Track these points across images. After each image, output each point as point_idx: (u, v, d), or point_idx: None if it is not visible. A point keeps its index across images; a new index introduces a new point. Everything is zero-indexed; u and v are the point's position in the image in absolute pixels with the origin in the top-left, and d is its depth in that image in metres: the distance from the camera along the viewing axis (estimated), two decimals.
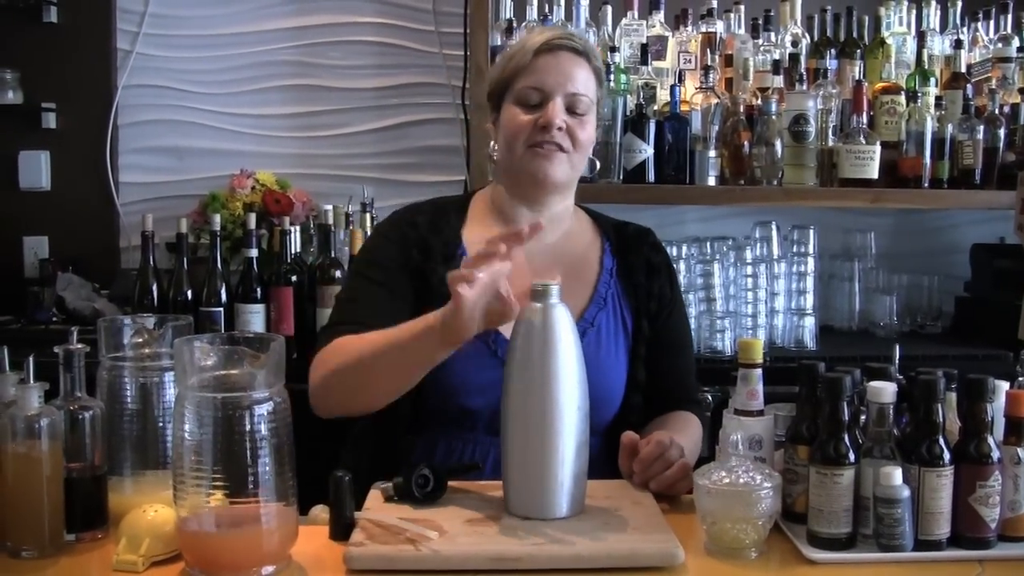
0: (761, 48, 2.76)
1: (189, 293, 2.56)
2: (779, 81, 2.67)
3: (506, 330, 1.36)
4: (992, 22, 2.90)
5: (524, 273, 1.48)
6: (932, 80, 2.74)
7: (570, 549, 1.18)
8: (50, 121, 3.00)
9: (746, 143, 2.64)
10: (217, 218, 2.58)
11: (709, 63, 2.70)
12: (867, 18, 2.88)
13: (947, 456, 1.21)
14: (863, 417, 1.27)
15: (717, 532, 1.22)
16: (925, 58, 2.75)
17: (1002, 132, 2.69)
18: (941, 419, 1.22)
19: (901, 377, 1.34)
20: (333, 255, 2.57)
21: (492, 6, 2.70)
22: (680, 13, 2.82)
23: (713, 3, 2.78)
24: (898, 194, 2.68)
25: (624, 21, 2.76)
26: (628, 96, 2.62)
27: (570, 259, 1.67)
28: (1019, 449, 1.23)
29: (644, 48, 2.67)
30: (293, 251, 2.59)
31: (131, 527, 1.17)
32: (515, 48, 1.65)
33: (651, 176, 2.62)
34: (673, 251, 2.57)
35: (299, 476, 1.18)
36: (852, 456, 1.21)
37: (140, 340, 1.32)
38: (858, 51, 2.77)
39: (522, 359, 1.28)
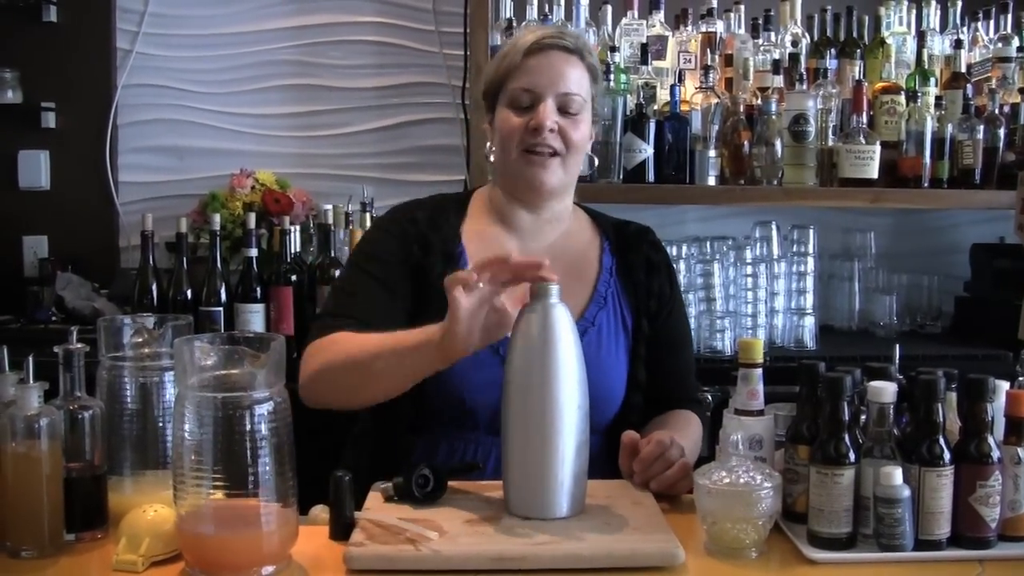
0: (761, 48, 2.76)
1: (189, 293, 2.56)
2: (779, 81, 2.67)
3: None
4: (992, 22, 2.90)
5: None
6: (932, 80, 2.74)
7: (570, 549, 1.17)
8: (50, 120, 3.00)
9: (746, 143, 2.64)
10: (217, 218, 2.58)
11: (709, 63, 2.70)
12: (867, 18, 2.88)
13: (947, 456, 1.20)
14: (863, 417, 1.27)
15: (717, 532, 1.22)
16: (925, 58, 2.75)
17: (1002, 132, 2.69)
18: (941, 419, 1.22)
19: (901, 377, 1.34)
20: (333, 255, 2.57)
21: (492, 6, 2.70)
22: (680, 13, 2.82)
23: (713, 3, 2.78)
24: (898, 194, 2.68)
25: (624, 21, 2.76)
26: (628, 96, 2.62)
27: (570, 258, 1.67)
28: (1019, 449, 1.23)
29: (644, 48, 2.67)
30: (293, 251, 2.59)
31: (131, 527, 1.17)
32: (506, 48, 1.64)
33: (651, 176, 2.62)
34: (673, 251, 2.57)
35: (299, 476, 1.18)
36: (852, 456, 1.21)
37: (140, 340, 1.32)
38: (858, 51, 2.77)
39: (522, 359, 1.27)
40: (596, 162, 1.81)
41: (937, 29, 2.86)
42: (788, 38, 2.79)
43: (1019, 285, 2.28)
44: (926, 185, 2.69)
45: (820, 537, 1.22)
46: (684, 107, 2.65)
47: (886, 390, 1.22)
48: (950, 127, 2.68)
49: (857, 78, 2.67)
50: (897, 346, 1.48)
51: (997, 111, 2.70)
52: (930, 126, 2.67)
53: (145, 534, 1.16)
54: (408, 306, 1.59)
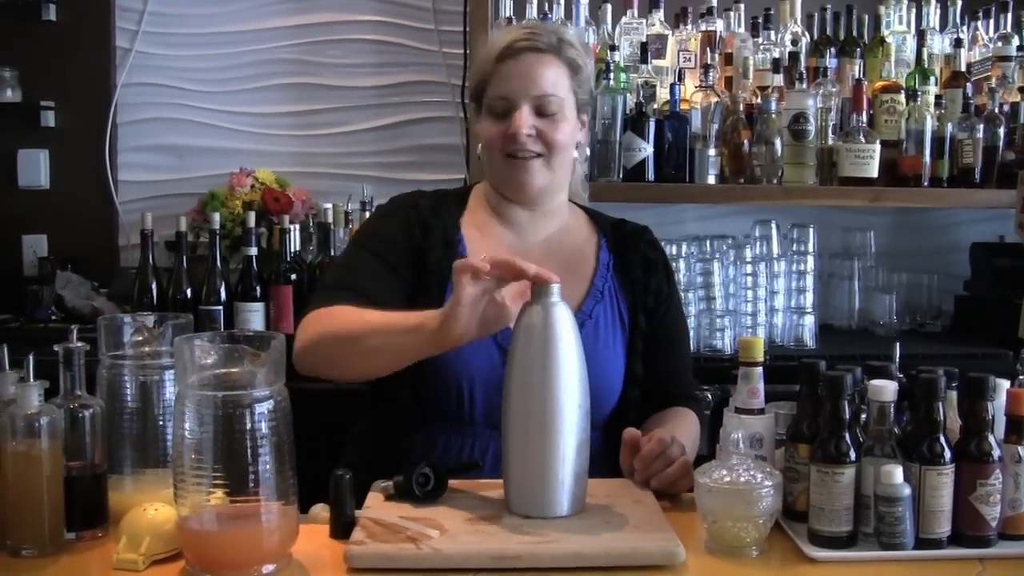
0: (761, 47, 2.76)
1: (188, 291, 2.56)
2: (779, 80, 2.66)
3: None
4: (992, 21, 2.90)
5: None
6: (932, 79, 2.75)
7: (571, 547, 1.17)
8: (49, 119, 3.00)
9: (746, 142, 2.63)
10: (216, 216, 2.58)
11: (709, 62, 2.70)
12: (867, 17, 2.88)
13: (948, 454, 1.20)
14: (864, 415, 1.27)
15: (718, 530, 1.22)
16: (925, 57, 2.75)
17: (1002, 131, 2.69)
18: (942, 417, 1.22)
19: (902, 376, 1.34)
20: (333, 253, 2.57)
21: (492, 4, 2.70)
22: (680, 11, 2.82)
23: (713, 1, 2.78)
24: (898, 193, 2.68)
25: (624, 20, 2.75)
26: (628, 95, 2.62)
27: (566, 252, 1.69)
28: (1020, 447, 1.23)
29: (644, 47, 2.67)
30: (292, 249, 2.59)
31: (131, 526, 1.17)
32: (481, 54, 1.65)
33: (651, 175, 2.62)
34: (673, 250, 2.57)
35: (299, 475, 1.18)
36: (853, 454, 1.21)
37: (140, 338, 1.32)
38: (858, 50, 2.77)
39: (523, 358, 1.27)
40: (588, 153, 1.82)
41: (937, 28, 2.86)
42: (788, 37, 2.79)
43: (1019, 284, 2.28)
44: (926, 184, 2.69)
45: (821, 536, 1.22)
46: (684, 106, 2.65)
47: (887, 389, 1.22)
48: (950, 126, 2.68)
49: (857, 77, 2.67)
50: (897, 345, 1.48)
51: (997, 110, 2.70)
52: (930, 125, 2.67)
53: (145, 533, 1.16)
54: (406, 287, 1.60)
